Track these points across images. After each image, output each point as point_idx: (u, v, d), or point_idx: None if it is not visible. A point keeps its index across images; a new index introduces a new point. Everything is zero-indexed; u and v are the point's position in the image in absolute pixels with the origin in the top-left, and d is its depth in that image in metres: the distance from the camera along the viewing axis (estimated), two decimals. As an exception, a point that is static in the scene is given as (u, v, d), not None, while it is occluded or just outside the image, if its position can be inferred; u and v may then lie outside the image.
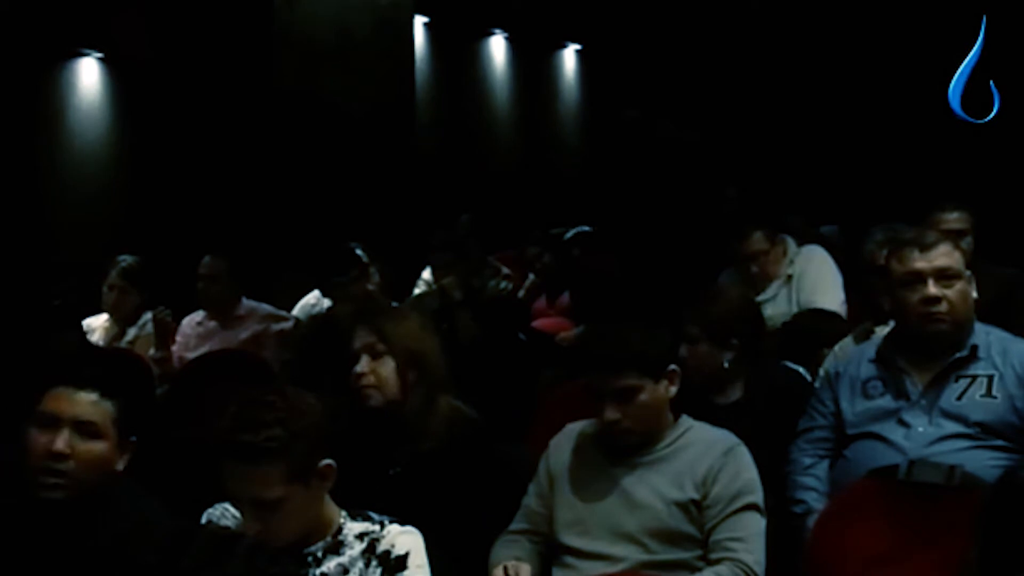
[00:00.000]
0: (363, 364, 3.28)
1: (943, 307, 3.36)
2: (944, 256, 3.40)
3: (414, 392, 3.29)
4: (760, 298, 5.23)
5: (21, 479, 2.66)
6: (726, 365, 3.76)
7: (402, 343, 3.32)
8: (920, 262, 3.39)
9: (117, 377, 2.80)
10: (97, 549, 2.57)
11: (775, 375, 4.01)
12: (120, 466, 2.72)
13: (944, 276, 3.38)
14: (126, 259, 5.86)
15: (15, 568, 2.61)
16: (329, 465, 2.53)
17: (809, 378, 4.19)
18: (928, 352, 3.40)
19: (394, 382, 3.28)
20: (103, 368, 2.82)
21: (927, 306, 3.37)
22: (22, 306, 5.51)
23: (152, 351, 5.60)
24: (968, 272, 3.44)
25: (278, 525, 2.46)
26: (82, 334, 5.13)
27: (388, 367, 3.28)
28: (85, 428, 2.66)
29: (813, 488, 3.47)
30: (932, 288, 3.36)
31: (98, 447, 2.67)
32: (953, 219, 5.10)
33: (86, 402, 2.67)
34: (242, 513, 2.50)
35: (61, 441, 2.62)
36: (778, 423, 3.62)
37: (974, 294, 3.44)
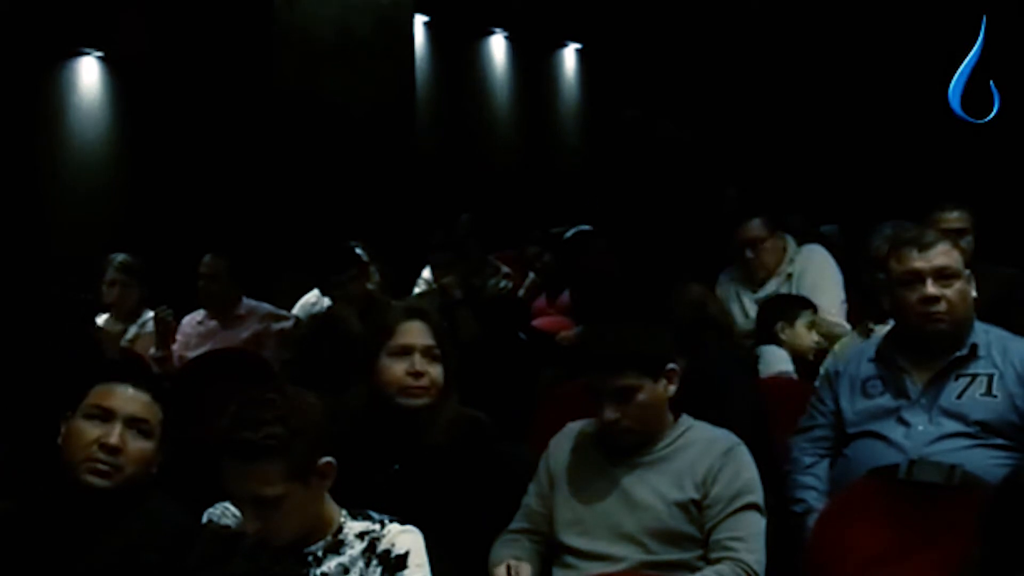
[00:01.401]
0: (420, 363, 3.23)
1: (942, 307, 3.36)
2: (943, 255, 3.40)
3: (443, 396, 3.29)
4: (759, 295, 5.24)
5: (54, 464, 2.70)
6: None
7: (452, 350, 3.31)
8: (919, 261, 3.40)
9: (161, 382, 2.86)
10: (120, 543, 2.61)
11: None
12: (155, 469, 2.77)
13: (943, 275, 3.38)
14: (120, 255, 5.88)
15: (40, 552, 2.63)
16: (329, 463, 2.53)
17: (786, 356, 4.48)
18: (928, 351, 3.41)
19: (440, 387, 3.26)
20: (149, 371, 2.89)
21: (926, 306, 3.37)
22: (23, 304, 5.53)
23: (152, 350, 5.61)
24: (968, 271, 3.44)
25: (278, 523, 2.47)
26: (92, 329, 5.15)
27: (438, 371, 3.26)
28: (138, 426, 2.72)
29: (813, 487, 3.47)
30: (931, 288, 3.36)
31: (148, 446, 2.73)
32: (953, 218, 5.11)
33: (141, 401, 2.74)
34: (242, 512, 2.50)
35: (115, 435, 2.67)
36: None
37: (973, 293, 3.44)
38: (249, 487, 2.44)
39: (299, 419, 2.48)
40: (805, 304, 4.81)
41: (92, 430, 2.68)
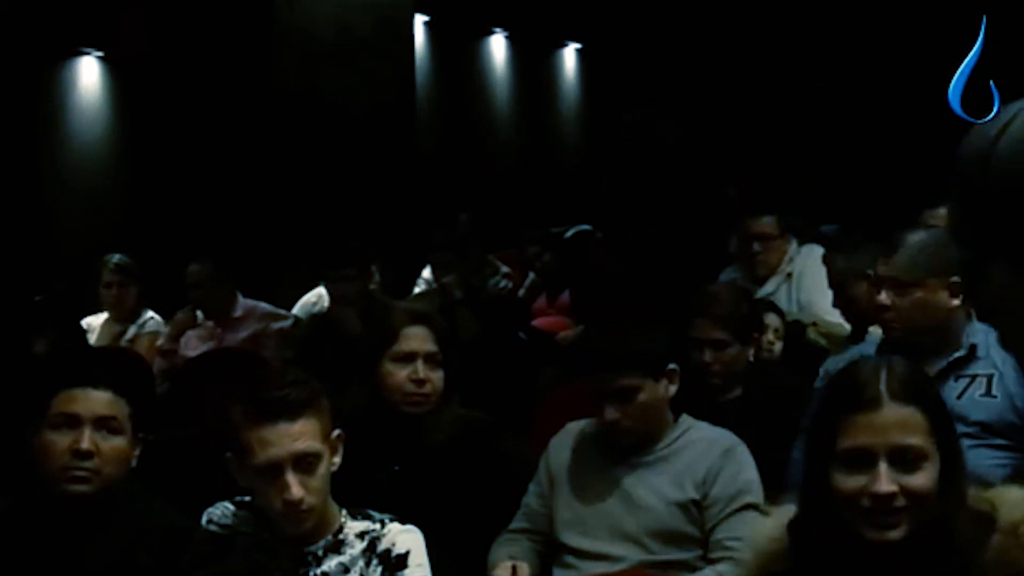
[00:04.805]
0: (423, 370, 3.23)
1: (890, 315, 3.37)
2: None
3: (444, 400, 3.29)
4: (759, 294, 5.23)
5: (35, 477, 2.68)
6: (751, 359, 3.80)
7: (453, 353, 3.31)
8: (881, 267, 3.43)
9: (125, 374, 2.83)
10: (110, 545, 2.60)
11: (773, 370, 4.05)
12: (133, 463, 2.75)
13: (898, 285, 3.37)
14: (115, 256, 5.87)
15: (30, 560, 2.63)
16: (340, 435, 2.58)
17: None
18: (924, 352, 3.40)
19: (441, 392, 3.27)
20: (112, 366, 2.84)
21: (879, 312, 3.41)
22: (12, 305, 5.54)
23: (160, 340, 5.63)
24: (955, 279, 3.37)
25: (315, 489, 2.48)
26: (70, 330, 5.12)
27: (440, 377, 3.26)
28: (106, 424, 2.68)
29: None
30: (883, 296, 3.38)
31: (119, 442, 2.70)
32: (941, 216, 5.08)
33: (104, 399, 2.70)
34: (278, 487, 2.46)
35: (86, 440, 2.64)
36: (778, 419, 3.63)
37: (955, 301, 3.37)
38: (293, 444, 2.46)
39: (315, 383, 2.56)
40: None
41: (62, 439, 2.64)
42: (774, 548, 2.09)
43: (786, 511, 2.12)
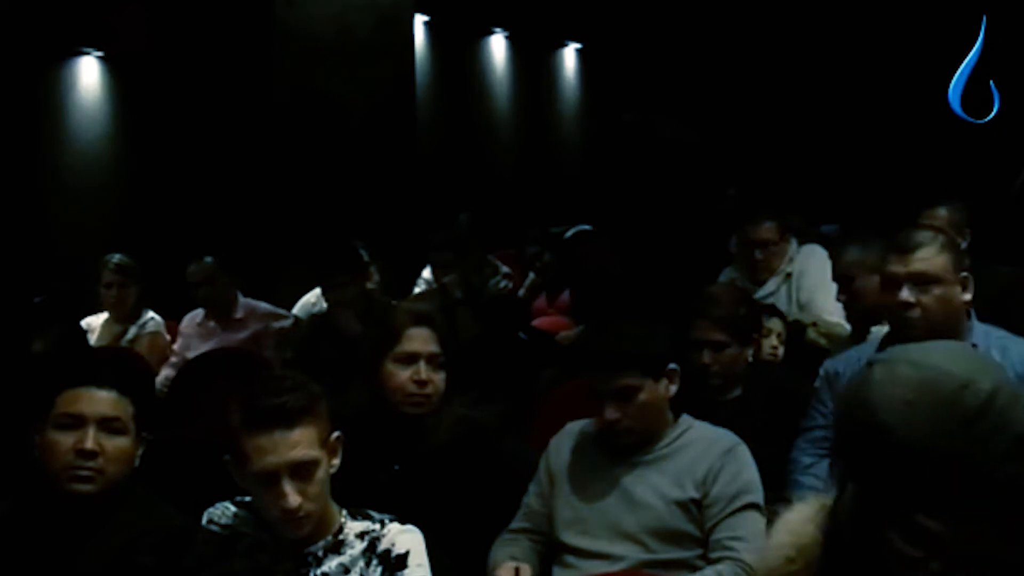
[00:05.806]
0: (425, 372, 3.24)
1: (915, 313, 3.27)
2: (922, 261, 3.30)
3: (445, 401, 3.29)
4: (759, 294, 5.24)
5: (37, 476, 2.69)
6: (751, 359, 3.80)
7: (453, 353, 3.32)
8: (896, 265, 3.32)
9: (129, 374, 2.84)
10: (112, 545, 2.60)
11: (773, 370, 4.06)
12: (136, 462, 2.76)
13: (921, 281, 3.29)
14: (115, 256, 5.88)
15: (32, 559, 2.63)
16: (339, 437, 2.56)
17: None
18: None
19: (442, 393, 3.27)
20: (116, 366, 2.85)
21: (901, 311, 3.30)
22: (12, 305, 5.55)
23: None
24: (964, 273, 3.37)
25: (313, 495, 2.47)
26: (71, 330, 5.13)
27: (441, 378, 3.27)
28: (110, 425, 2.69)
29: (812, 487, 3.46)
30: (905, 293, 3.28)
31: (123, 442, 2.71)
32: (937, 216, 5.08)
33: (108, 399, 2.71)
34: (275, 494, 2.46)
35: (90, 440, 2.65)
36: (778, 419, 3.63)
37: (966, 296, 3.36)
38: (288, 453, 2.44)
39: (313, 387, 2.53)
40: None
41: (66, 439, 2.65)
42: (791, 570, 1.88)
43: (799, 527, 1.84)
